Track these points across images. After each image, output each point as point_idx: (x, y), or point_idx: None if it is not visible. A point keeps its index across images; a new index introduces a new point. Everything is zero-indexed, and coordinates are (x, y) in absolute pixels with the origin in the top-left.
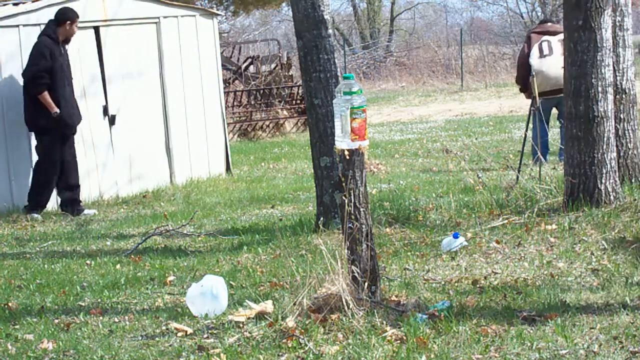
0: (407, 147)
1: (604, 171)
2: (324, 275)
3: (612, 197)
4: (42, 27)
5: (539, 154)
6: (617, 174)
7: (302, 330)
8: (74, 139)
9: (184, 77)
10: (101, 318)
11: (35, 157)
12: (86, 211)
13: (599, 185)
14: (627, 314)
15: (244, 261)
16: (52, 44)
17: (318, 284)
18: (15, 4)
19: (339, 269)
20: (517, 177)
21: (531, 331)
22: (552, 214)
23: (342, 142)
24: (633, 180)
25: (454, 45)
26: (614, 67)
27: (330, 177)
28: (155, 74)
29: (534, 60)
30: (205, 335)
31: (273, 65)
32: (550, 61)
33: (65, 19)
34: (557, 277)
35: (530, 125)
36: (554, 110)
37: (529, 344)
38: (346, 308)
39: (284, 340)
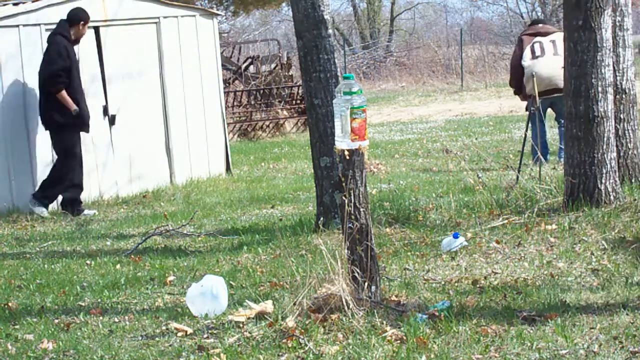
0: (407, 147)
1: (604, 171)
2: (324, 275)
3: (612, 197)
4: (42, 27)
5: (539, 154)
6: (617, 174)
7: (302, 330)
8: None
9: (184, 77)
10: (101, 318)
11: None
12: (86, 211)
13: (599, 185)
14: (627, 314)
15: (244, 261)
16: (67, 43)
17: (318, 284)
18: (15, 4)
19: (339, 269)
20: (517, 177)
21: (531, 331)
22: (552, 214)
23: (342, 142)
24: (633, 180)
25: (454, 45)
26: (614, 67)
27: (330, 177)
28: (155, 74)
29: (527, 62)
30: (205, 335)
31: (273, 65)
32: (543, 62)
33: (78, 19)
34: (557, 277)
35: (530, 126)
36: (550, 111)
37: (529, 344)
38: (346, 308)
39: (284, 340)
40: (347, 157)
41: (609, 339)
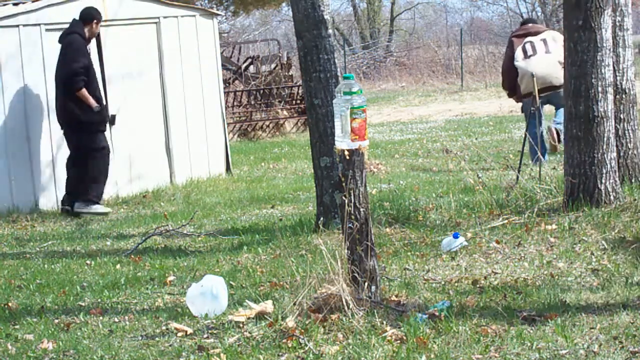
0: (407, 147)
1: (604, 171)
2: (324, 275)
3: (612, 197)
4: (42, 27)
5: (539, 154)
6: (617, 174)
7: (302, 330)
8: None
9: (184, 77)
10: (101, 318)
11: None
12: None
13: (599, 185)
14: (627, 314)
15: (244, 261)
16: (84, 42)
17: (318, 284)
18: (15, 4)
19: (339, 269)
20: (517, 177)
21: (531, 331)
22: (552, 214)
23: (342, 142)
24: (633, 180)
25: (454, 45)
26: (614, 67)
27: (330, 177)
28: (155, 74)
29: (520, 62)
30: (205, 335)
31: (273, 65)
32: (536, 61)
33: (92, 17)
34: (557, 277)
35: (529, 125)
36: (547, 109)
37: (529, 344)
38: (346, 308)
39: (284, 340)
40: (347, 157)
41: (609, 339)
